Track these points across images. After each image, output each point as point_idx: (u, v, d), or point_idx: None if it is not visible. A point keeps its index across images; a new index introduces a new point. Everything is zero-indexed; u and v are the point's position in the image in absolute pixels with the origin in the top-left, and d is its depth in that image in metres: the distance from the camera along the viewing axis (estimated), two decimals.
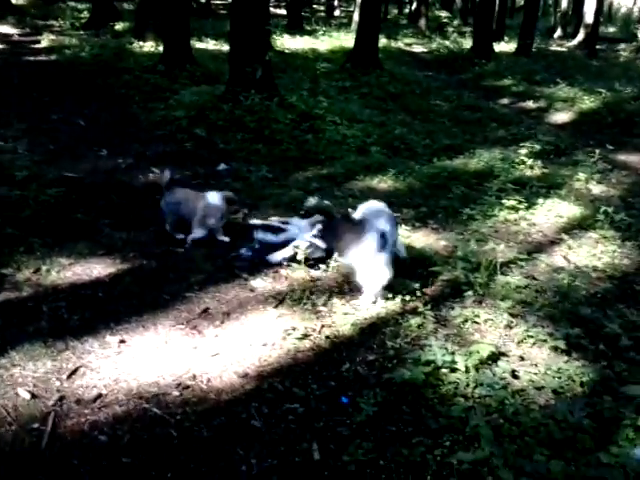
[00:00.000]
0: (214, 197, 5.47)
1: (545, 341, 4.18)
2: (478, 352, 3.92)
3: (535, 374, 3.84)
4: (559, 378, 3.77)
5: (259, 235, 5.50)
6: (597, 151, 8.59)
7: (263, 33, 9.78)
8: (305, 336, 4.17)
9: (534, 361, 4.02)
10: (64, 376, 3.60)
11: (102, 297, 4.53)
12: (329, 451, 3.16)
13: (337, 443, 3.22)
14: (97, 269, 4.92)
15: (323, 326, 4.32)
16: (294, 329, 4.21)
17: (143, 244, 5.43)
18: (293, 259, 5.02)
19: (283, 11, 29.46)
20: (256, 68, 9.47)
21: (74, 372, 3.65)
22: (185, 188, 5.72)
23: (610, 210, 6.61)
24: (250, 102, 9.26)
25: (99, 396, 3.45)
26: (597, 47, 23.18)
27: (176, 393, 3.53)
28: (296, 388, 3.65)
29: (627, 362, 4.03)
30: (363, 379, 3.78)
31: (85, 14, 21.64)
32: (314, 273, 5.06)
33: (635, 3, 35.60)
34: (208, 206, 5.41)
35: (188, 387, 3.59)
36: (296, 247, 5.00)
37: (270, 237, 5.49)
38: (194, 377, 3.69)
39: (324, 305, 4.59)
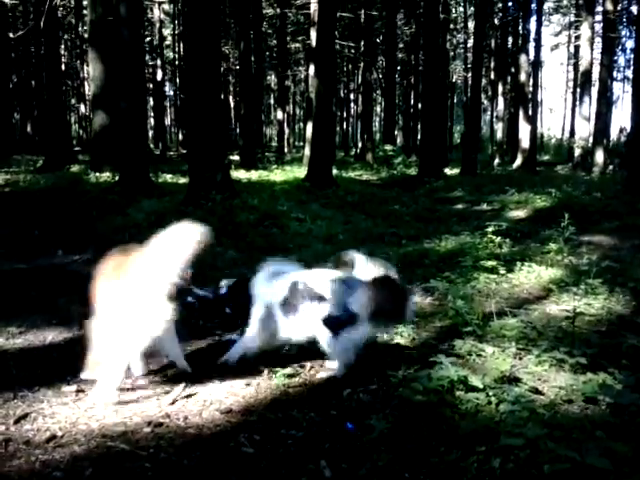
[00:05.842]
0: None
1: (563, 361, 3.74)
2: (493, 372, 3.47)
3: (560, 388, 3.38)
4: (590, 388, 3.30)
5: None
6: (563, 230, 8.55)
7: (221, 137, 9.89)
8: (294, 375, 3.64)
9: (555, 379, 3.57)
10: (10, 421, 2.97)
11: (56, 357, 3.95)
12: (341, 469, 2.59)
13: (349, 461, 2.65)
14: (51, 335, 4.35)
15: (312, 367, 3.80)
16: (281, 369, 3.68)
17: None
18: None
19: (236, 157, 30.52)
20: (216, 172, 9.45)
21: (23, 417, 3.02)
22: None
23: (592, 266, 6.43)
24: (211, 204, 9.11)
25: (53, 437, 2.84)
26: (536, 169, 24.54)
27: (147, 430, 2.93)
28: (292, 417, 3.09)
29: None
30: (368, 406, 3.24)
31: (41, 163, 21.90)
32: None
33: (563, 133, 38.60)
34: None
35: (161, 424, 3.00)
36: None
37: None
38: (168, 416, 3.10)
39: (311, 349, 4.08)
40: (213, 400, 3.30)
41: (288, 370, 3.67)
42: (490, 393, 3.25)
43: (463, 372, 3.32)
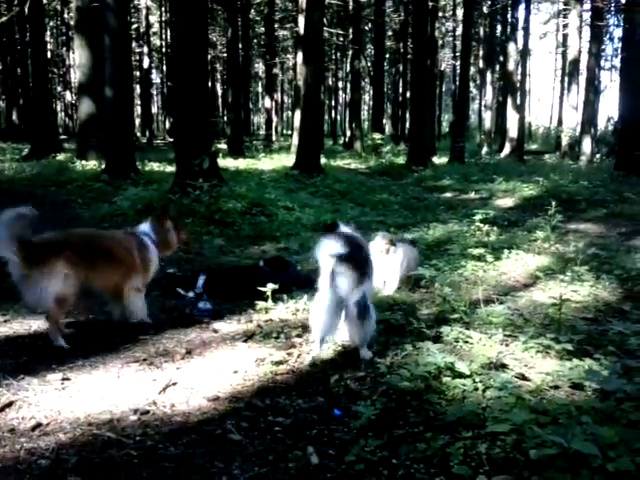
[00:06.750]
0: None
1: (550, 347, 3.75)
2: (480, 359, 3.48)
3: (547, 374, 3.39)
4: (576, 374, 3.31)
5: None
6: (550, 218, 8.56)
7: (208, 125, 9.79)
8: (281, 362, 3.63)
9: (542, 366, 3.58)
10: None
11: (42, 345, 3.90)
12: (328, 455, 2.59)
13: (337, 447, 2.65)
14: (37, 324, 4.29)
15: (300, 354, 3.80)
16: (269, 356, 3.68)
17: (89, 306, 4.83)
18: None
19: (224, 145, 30.30)
20: (203, 159, 9.36)
21: (8, 406, 2.99)
22: None
23: (579, 254, 6.47)
24: (199, 192, 9.04)
25: (38, 425, 2.81)
26: (524, 157, 24.60)
27: (134, 418, 2.91)
28: (279, 404, 3.08)
29: None
30: (355, 393, 3.24)
31: (26, 151, 21.64)
32: (282, 315, 4.58)
33: (551, 122, 38.71)
34: None
35: (148, 412, 2.98)
36: None
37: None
38: (154, 403, 3.08)
39: (299, 337, 4.08)
40: (200, 387, 3.28)
41: (276, 357, 3.66)
42: (477, 379, 3.26)
43: (450, 358, 3.33)
